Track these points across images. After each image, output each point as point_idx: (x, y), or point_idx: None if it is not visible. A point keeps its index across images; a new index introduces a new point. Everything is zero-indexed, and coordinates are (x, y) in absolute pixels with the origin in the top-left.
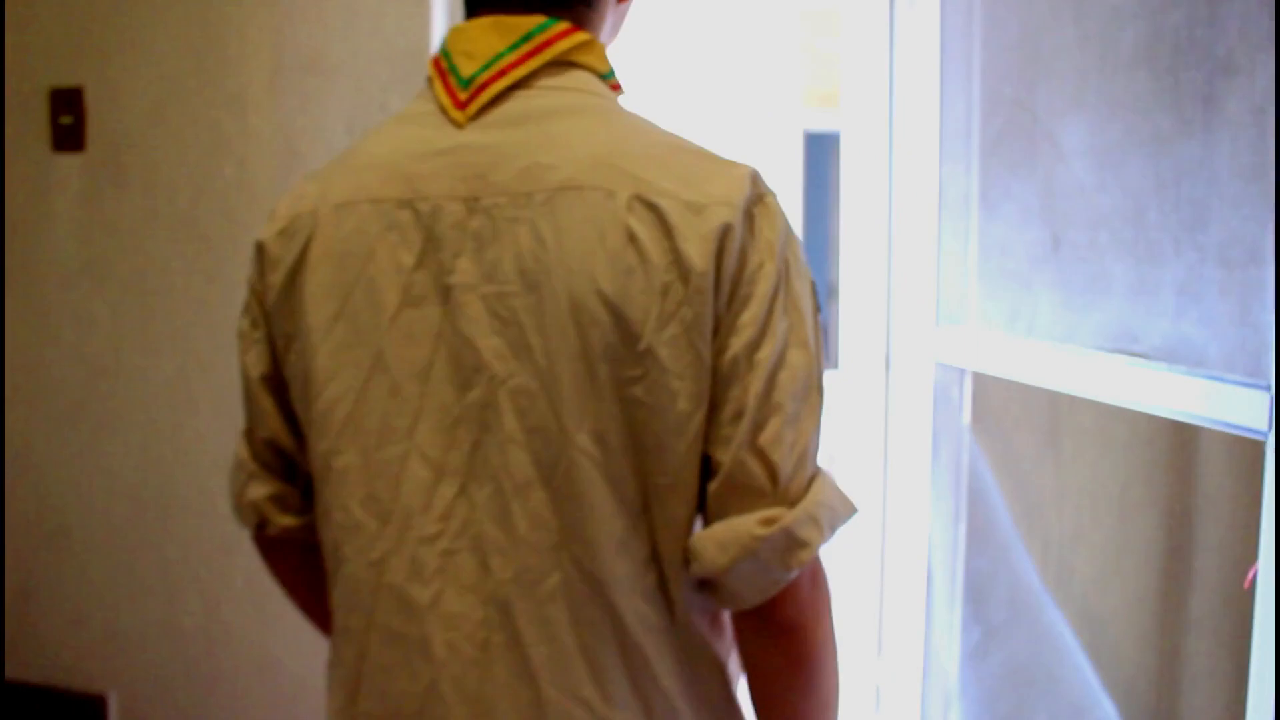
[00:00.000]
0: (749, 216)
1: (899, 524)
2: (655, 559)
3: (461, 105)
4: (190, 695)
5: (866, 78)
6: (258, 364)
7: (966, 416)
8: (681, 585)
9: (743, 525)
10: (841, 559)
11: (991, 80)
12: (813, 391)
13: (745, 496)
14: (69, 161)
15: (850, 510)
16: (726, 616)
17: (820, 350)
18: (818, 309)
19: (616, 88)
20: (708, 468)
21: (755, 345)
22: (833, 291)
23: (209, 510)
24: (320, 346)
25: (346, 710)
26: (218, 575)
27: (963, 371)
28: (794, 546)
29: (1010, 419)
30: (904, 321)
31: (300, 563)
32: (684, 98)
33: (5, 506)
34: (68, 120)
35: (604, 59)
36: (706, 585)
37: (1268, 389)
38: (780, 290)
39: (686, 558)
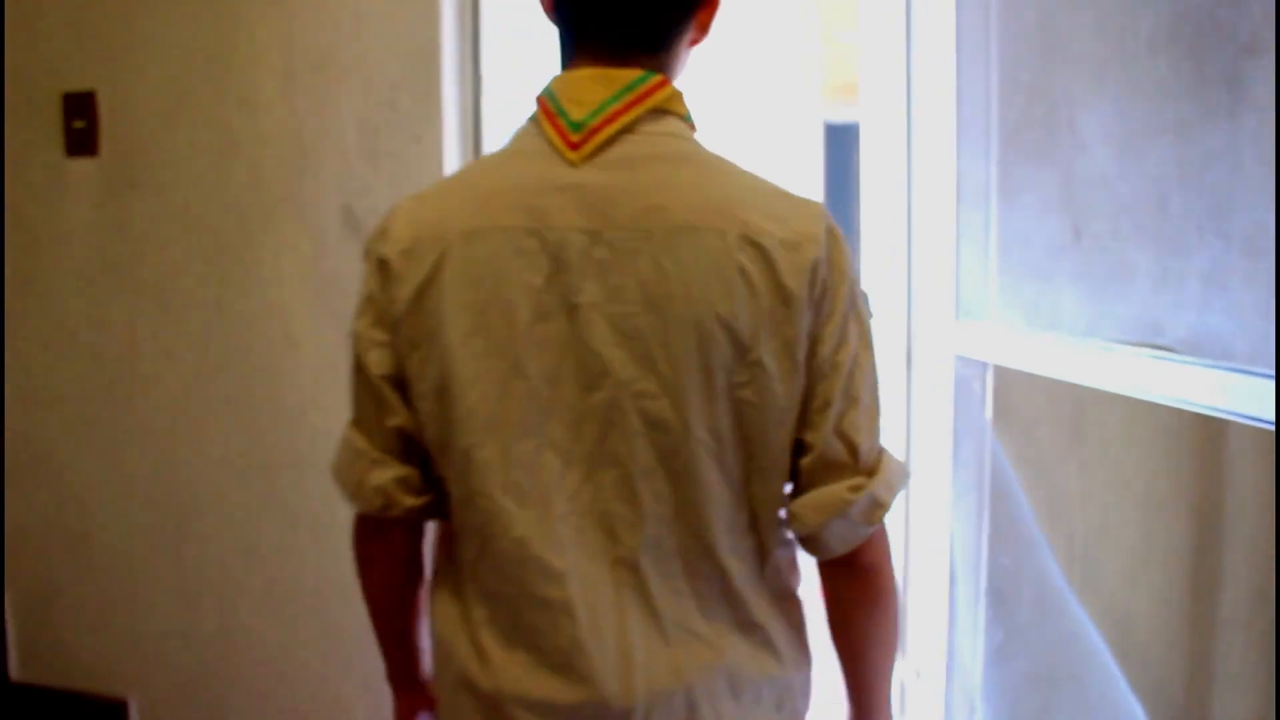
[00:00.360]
0: (829, 250)
1: (921, 522)
2: (753, 526)
3: (574, 146)
4: (210, 700)
5: (884, 68)
6: (382, 364)
7: (988, 411)
8: (772, 544)
9: (834, 492)
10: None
11: (1009, 67)
12: (878, 384)
13: (833, 470)
14: (83, 166)
15: (907, 476)
16: (797, 563)
17: (873, 355)
18: (871, 315)
19: (693, 128)
20: (798, 448)
21: (836, 350)
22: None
23: (227, 514)
24: (460, 355)
25: (506, 660)
26: (236, 580)
27: (984, 366)
28: (875, 508)
29: (1033, 413)
30: (924, 315)
31: (402, 543)
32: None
33: (26, 511)
34: (81, 124)
35: (685, 105)
36: (804, 541)
37: (1271, 377)
38: (851, 306)
39: (786, 520)
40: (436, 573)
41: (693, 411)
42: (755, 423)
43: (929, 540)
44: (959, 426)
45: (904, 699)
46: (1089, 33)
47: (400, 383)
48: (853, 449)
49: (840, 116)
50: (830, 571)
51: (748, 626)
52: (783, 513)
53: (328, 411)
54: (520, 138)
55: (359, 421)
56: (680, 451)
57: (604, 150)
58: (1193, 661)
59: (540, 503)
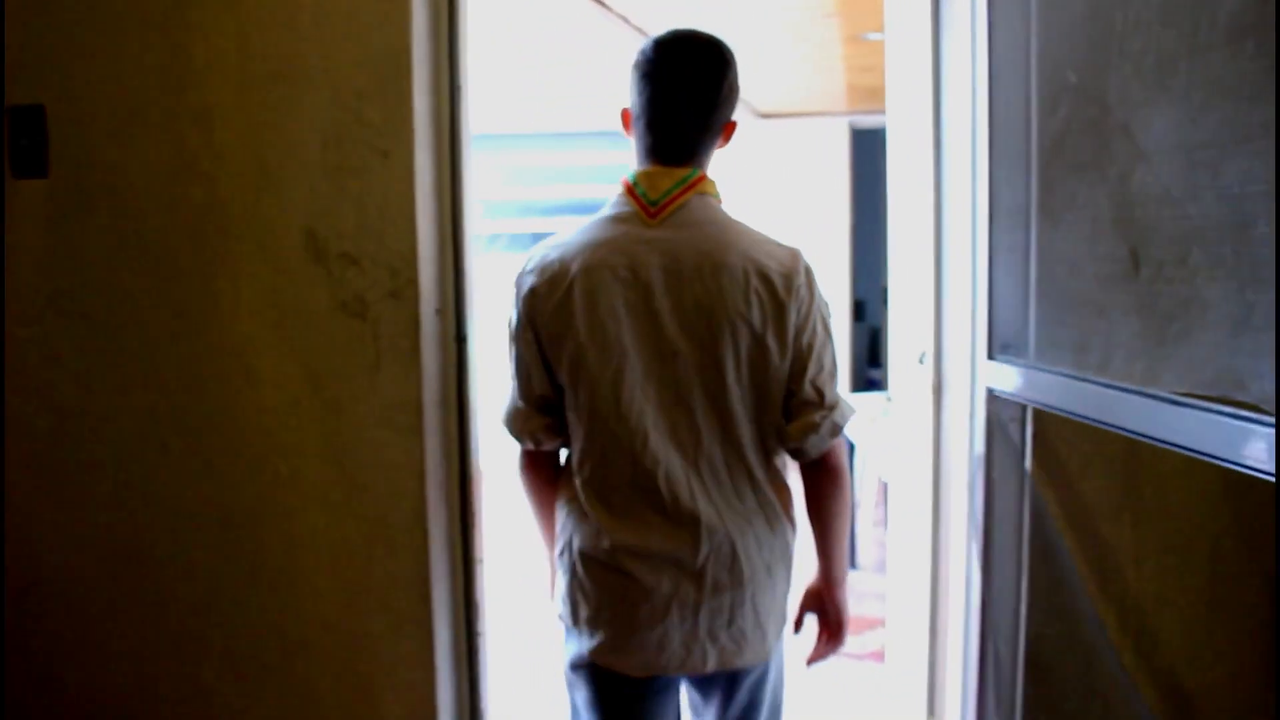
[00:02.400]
0: (805, 279)
1: (950, 583)
2: (763, 440)
3: (652, 215)
4: None
5: (910, 69)
6: (529, 350)
7: (1028, 460)
8: (774, 451)
9: (810, 420)
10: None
11: (1052, 66)
12: (835, 358)
13: (809, 406)
14: (30, 187)
15: (853, 411)
16: (787, 463)
17: (832, 339)
18: (830, 315)
19: (720, 200)
20: (789, 395)
21: (810, 339)
22: (885, 296)
23: (185, 566)
24: (589, 347)
25: (611, 531)
26: (195, 636)
27: (1024, 407)
28: (834, 427)
29: (1079, 462)
30: (954, 347)
31: (549, 469)
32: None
33: None
34: (27, 142)
35: (715, 188)
36: (792, 451)
37: (1272, 425)
38: (817, 313)
39: (780, 437)
40: (561, 486)
41: (728, 373)
42: (763, 379)
43: (957, 603)
44: (996, 476)
45: None
46: (1150, 23)
47: (546, 366)
48: (820, 394)
49: (868, 122)
50: (809, 471)
51: (764, 504)
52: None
53: (289, 455)
54: (615, 205)
55: (519, 391)
56: (721, 397)
57: (670, 217)
58: None
59: (640, 431)
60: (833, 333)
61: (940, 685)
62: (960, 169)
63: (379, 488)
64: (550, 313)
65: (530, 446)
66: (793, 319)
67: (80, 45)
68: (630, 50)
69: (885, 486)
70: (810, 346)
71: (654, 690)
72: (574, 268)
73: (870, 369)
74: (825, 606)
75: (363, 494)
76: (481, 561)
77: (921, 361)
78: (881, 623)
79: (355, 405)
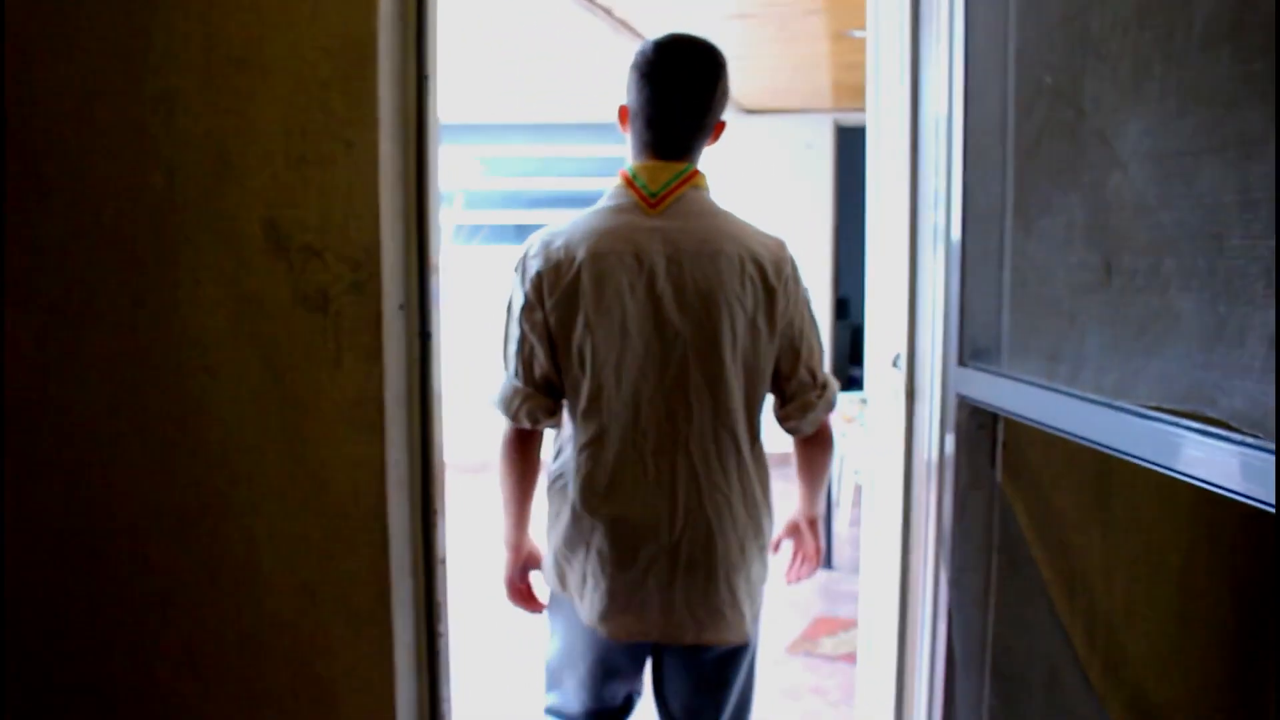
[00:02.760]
0: (791, 267)
1: (920, 591)
2: (751, 419)
3: (652, 206)
4: None
5: (888, 68)
6: (536, 331)
7: (999, 469)
8: (758, 430)
9: (808, 400)
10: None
11: (1029, 67)
12: (820, 340)
13: (804, 388)
14: None
15: (839, 387)
16: (763, 450)
17: (816, 323)
18: (810, 300)
19: (709, 192)
20: (783, 380)
21: (800, 323)
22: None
23: (142, 561)
24: (596, 327)
25: (600, 500)
26: (151, 634)
27: (995, 416)
28: (829, 406)
29: (1050, 473)
30: (927, 351)
31: (536, 449)
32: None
33: None
34: None
35: (706, 181)
36: (791, 430)
37: (1272, 452)
38: (803, 299)
39: (778, 418)
40: (554, 463)
41: (725, 353)
42: (754, 359)
43: (926, 611)
44: (966, 483)
45: None
46: (1128, 24)
47: (551, 347)
48: (814, 376)
49: (853, 119)
50: (805, 440)
51: (746, 487)
52: (769, 413)
53: (248, 450)
54: (614, 196)
55: (519, 372)
56: (717, 376)
57: (670, 208)
58: None
59: (637, 410)
60: (816, 318)
61: (908, 692)
62: (936, 170)
63: (339, 485)
64: (559, 296)
65: (527, 425)
66: (781, 303)
67: (38, 24)
68: (616, 44)
69: (860, 488)
70: (801, 331)
71: (633, 655)
72: (580, 254)
73: (853, 367)
74: (803, 534)
75: (322, 491)
76: (444, 561)
77: (895, 365)
78: (854, 624)
79: (316, 400)
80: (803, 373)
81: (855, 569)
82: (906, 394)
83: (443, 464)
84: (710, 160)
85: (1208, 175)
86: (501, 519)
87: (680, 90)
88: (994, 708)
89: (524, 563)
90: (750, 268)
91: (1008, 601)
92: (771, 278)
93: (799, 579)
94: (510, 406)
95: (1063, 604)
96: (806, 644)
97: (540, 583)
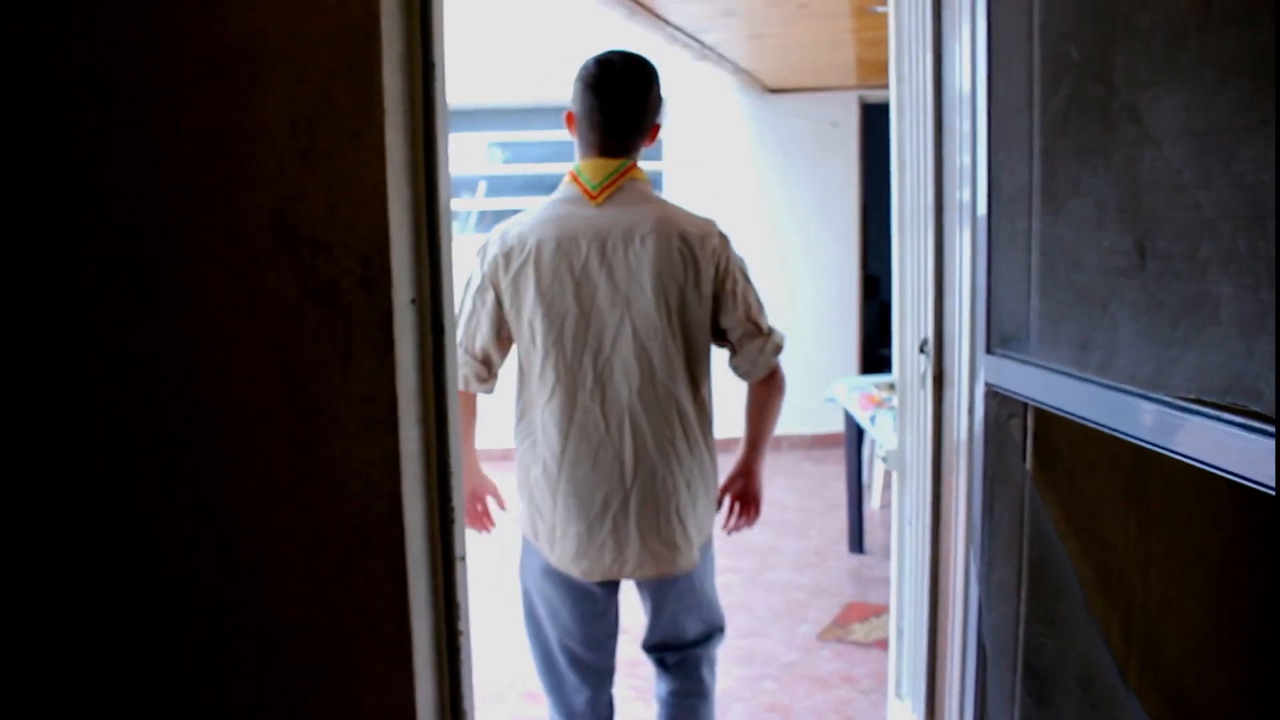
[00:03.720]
0: (718, 240)
1: (951, 586)
2: (692, 376)
3: (594, 197)
4: None
5: (910, 43)
6: (484, 308)
7: (1028, 459)
8: (699, 385)
9: (755, 347)
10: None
11: (1054, 41)
12: (758, 295)
13: (750, 337)
14: None
15: (784, 337)
16: (707, 398)
17: (752, 285)
18: (745, 265)
19: (648, 182)
20: (728, 335)
21: (734, 286)
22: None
23: (159, 562)
24: (544, 303)
25: (561, 454)
26: (166, 637)
27: (1025, 404)
28: (776, 349)
29: (1083, 462)
30: (955, 337)
31: (472, 403)
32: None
33: None
34: None
35: (643, 174)
36: (742, 375)
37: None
38: (735, 265)
39: (732, 368)
40: (520, 426)
41: (660, 319)
42: (688, 324)
43: (957, 603)
44: (995, 474)
45: None
46: None
47: (495, 324)
48: (757, 326)
49: (878, 96)
50: (757, 384)
51: (687, 431)
52: (716, 367)
53: (262, 450)
54: (562, 190)
55: (461, 342)
56: (655, 339)
57: (610, 199)
58: None
59: (587, 373)
60: (752, 280)
61: (940, 685)
62: (961, 148)
63: (352, 482)
64: (511, 276)
65: (460, 387)
66: (709, 273)
67: (44, 20)
68: (630, 27)
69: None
70: (735, 292)
71: (606, 592)
72: (530, 241)
73: (881, 348)
74: (745, 487)
75: (336, 489)
76: (463, 558)
77: (923, 350)
78: (886, 609)
79: (328, 397)
80: (747, 324)
81: (887, 553)
82: (934, 381)
83: (460, 460)
84: (732, 141)
85: (1248, 153)
86: None
87: (619, 97)
88: (1026, 705)
89: (474, 491)
90: (678, 243)
91: (1040, 596)
92: (697, 250)
93: (736, 529)
94: (463, 373)
95: (1097, 599)
96: (838, 630)
97: (495, 508)
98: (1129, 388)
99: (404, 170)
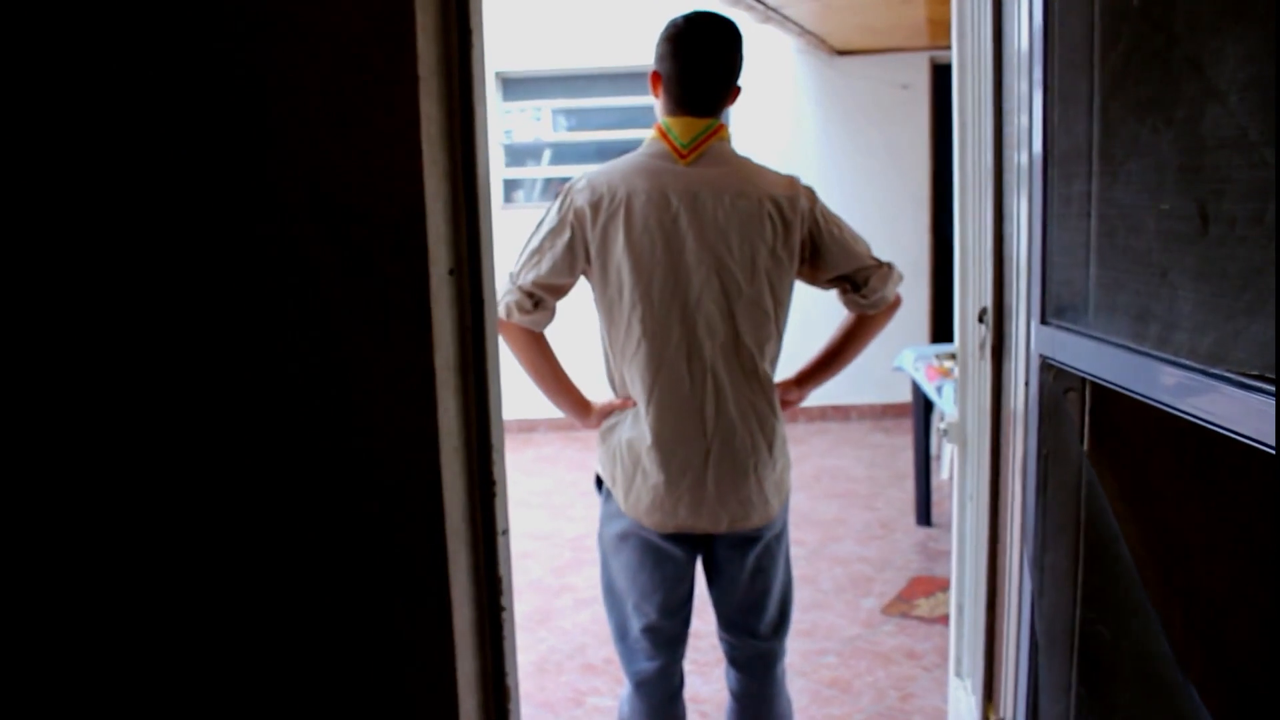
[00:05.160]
0: (806, 198)
1: (1008, 567)
2: (770, 337)
3: (683, 156)
4: None
5: (971, 1)
6: (551, 250)
7: (1085, 439)
8: (775, 348)
9: (880, 276)
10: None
11: None
12: (864, 241)
13: (870, 269)
14: None
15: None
16: (775, 361)
17: (853, 230)
18: (835, 214)
19: (729, 140)
20: (852, 274)
21: (834, 231)
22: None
23: (195, 537)
24: (634, 253)
25: (646, 406)
26: (211, 608)
27: (1083, 380)
28: (899, 278)
29: (1143, 442)
30: (1014, 306)
31: (531, 341)
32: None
33: None
34: None
35: (729, 133)
36: (873, 303)
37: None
38: (828, 217)
39: (859, 302)
40: (607, 370)
41: (745, 279)
42: (776, 285)
43: (1014, 591)
44: (1051, 452)
45: None
46: None
47: (565, 266)
48: (876, 261)
49: (948, 57)
50: (868, 317)
51: (765, 394)
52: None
53: (300, 423)
54: (651, 146)
55: (516, 276)
56: (740, 298)
57: (699, 158)
58: None
59: (669, 323)
60: (843, 221)
61: (998, 669)
62: (1019, 107)
63: (391, 457)
64: (600, 227)
65: (500, 315)
66: (798, 236)
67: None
68: None
69: None
70: (840, 235)
71: (686, 554)
72: (620, 192)
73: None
74: (787, 396)
75: (374, 465)
76: (505, 533)
77: (981, 320)
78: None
79: (366, 370)
80: (867, 259)
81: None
82: (992, 351)
83: (502, 434)
84: (800, 104)
85: None
86: (562, 410)
87: (709, 55)
88: (1081, 694)
89: (598, 417)
90: (769, 205)
91: (1096, 583)
92: (788, 212)
93: None
94: (498, 299)
95: (1158, 586)
96: (902, 605)
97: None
98: (1188, 361)
99: (440, 140)
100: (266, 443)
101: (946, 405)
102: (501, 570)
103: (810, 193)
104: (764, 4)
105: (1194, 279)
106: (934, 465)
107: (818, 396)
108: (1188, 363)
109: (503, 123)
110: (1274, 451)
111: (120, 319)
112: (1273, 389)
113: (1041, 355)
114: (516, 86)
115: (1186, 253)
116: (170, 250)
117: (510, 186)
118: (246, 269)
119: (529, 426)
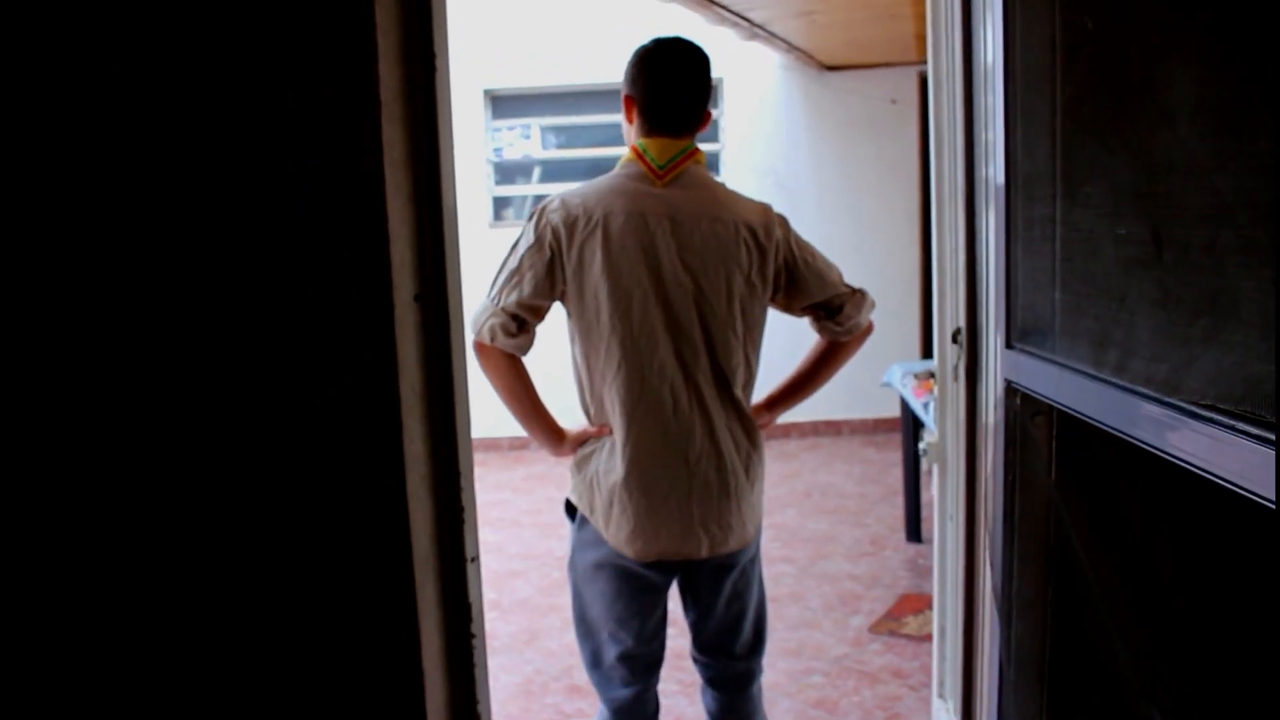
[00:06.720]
0: (779, 226)
1: (983, 598)
2: (745, 361)
3: (660, 177)
4: None
5: (944, 17)
6: (530, 270)
7: (1053, 467)
8: (751, 371)
9: (854, 303)
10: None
11: (1072, 8)
12: (829, 262)
13: (843, 295)
14: None
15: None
16: (751, 386)
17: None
18: (807, 242)
19: (704, 164)
20: (825, 302)
21: (806, 259)
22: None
23: (170, 564)
24: (610, 276)
25: (626, 431)
26: (178, 635)
27: (1051, 406)
28: (871, 305)
29: (1110, 471)
30: (986, 328)
31: (510, 366)
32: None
33: None
34: None
35: (703, 156)
36: (847, 329)
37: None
38: (798, 243)
39: (832, 330)
40: (582, 395)
41: (721, 304)
42: (749, 310)
43: (989, 615)
44: (1020, 479)
45: None
46: None
47: (537, 287)
48: (850, 288)
49: None
50: (840, 344)
51: (742, 418)
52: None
53: (262, 449)
54: (626, 167)
55: (497, 298)
56: (717, 322)
57: (675, 180)
58: None
59: (649, 350)
60: (814, 249)
61: (976, 688)
62: (988, 125)
63: (357, 485)
64: (576, 248)
65: (486, 340)
66: (773, 264)
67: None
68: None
69: None
70: (812, 263)
71: (663, 580)
72: (596, 213)
73: None
74: (758, 420)
75: (340, 492)
76: (474, 560)
77: (955, 340)
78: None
79: (329, 397)
80: (840, 287)
81: None
82: (966, 373)
83: (470, 460)
84: (789, 120)
85: (1270, 130)
86: (534, 437)
87: (682, 74)
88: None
89: (572, 445)
90: (744, 232)
91: (1066, 613)
92: (763, 239)
93: None
94: (478, 322)
95: (1125, 616)
96: (890, 623)
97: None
98: (1142, 389)
99: (403, 164)
100: (227, 471)
101: (932, 423)
102: (471, 597)
103: (783, 221)
104: (748, 20)
105: (1150, 305)
106: (924, 481)
107: (809, 411)
108: (1145, 391)
109: (492, 140)
110: (1225, 484)
111: (87, 340)
112: (1219, 419)
113: (1007, 380)
114: (506, 104)
115: (1143, 278)
116: (127, 279)
117: (500, 204)
118: (207, 297)
119: (520, 444)
